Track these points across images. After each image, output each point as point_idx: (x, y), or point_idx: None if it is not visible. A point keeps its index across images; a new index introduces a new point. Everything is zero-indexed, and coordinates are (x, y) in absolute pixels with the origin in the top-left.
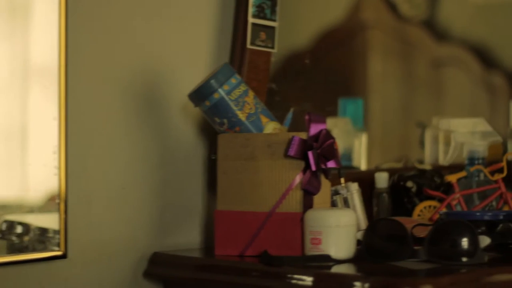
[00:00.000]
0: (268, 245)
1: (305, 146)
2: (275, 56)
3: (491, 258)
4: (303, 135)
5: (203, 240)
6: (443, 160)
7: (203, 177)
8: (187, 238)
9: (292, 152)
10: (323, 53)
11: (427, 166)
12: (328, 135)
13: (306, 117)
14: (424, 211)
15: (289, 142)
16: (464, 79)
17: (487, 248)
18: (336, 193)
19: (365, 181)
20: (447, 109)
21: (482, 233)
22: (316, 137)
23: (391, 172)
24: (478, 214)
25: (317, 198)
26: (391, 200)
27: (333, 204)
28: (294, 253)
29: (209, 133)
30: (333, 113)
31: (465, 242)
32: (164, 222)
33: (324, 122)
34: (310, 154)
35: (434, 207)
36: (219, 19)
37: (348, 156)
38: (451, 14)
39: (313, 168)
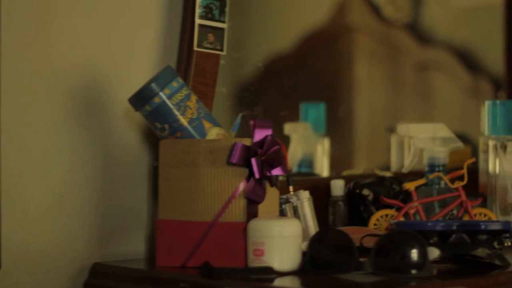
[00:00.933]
0: (211, 256)
1: (249, 152)
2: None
3: (444, 270)
4: (246, 141)
5: (148, 250)
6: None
7: (148, 185)
8: (132, 248)
9: (234, 159)
10: (306, 56)
11: (387, 173)
12: (273, 141)
13: (251, 122)
14: (381, 220)
15: (232, 149)
16: (447, 82)
17: (442, 260)
18: (286, 201)
19: (326, 188)
20: (430, 113)
21: (434, 244)
22: (261, 143)
23: (351, 179)
24: (429, 224)
25: (263, 207)
26: (347, 208)
27: (282, 213)
28: (237, 265)
29: (155, 138)
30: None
31: (412, 254)
32: (106, 231)
33: (269, 127)
34: (253, 161)
35: (392, 216)
36: (167, 19)
37: (309, 162)
38: (434, 17)
39: (257, 175)
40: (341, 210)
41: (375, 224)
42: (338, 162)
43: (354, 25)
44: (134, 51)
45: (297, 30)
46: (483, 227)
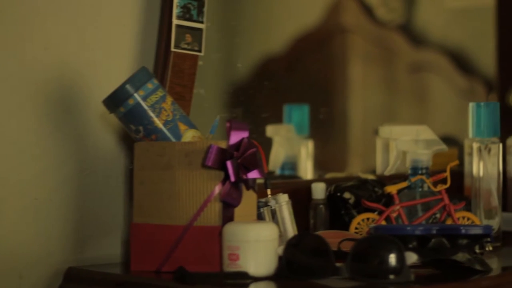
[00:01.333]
0: (186, 261)
1: (224, 155)
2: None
3: (424, 275)
4: (222, 144)
5: (125, 254)
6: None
7: (124, 188)
8: (107, 252)
9: (209, 161)
10: (295, 58)
11: (370, 176)
12: (250, 143)
13: (227, 124)
14: (362, 224)
15: (207, 151)
16: (441, 84)
17: (423, 264)
18: (265, 205)
19: (308, 191)
20: (423, 115)
21: (413, 249)
22: (237, 146)
23: (334, 182)
24: (408, 228)
25: (240, 211)
26: (328, 212)
27: (260, 217)
28: (212, 270)
29: (131, 141)
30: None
31: (389, 259)
32: (81, 235)
33: (246, 130)
34: (229, 164)
35: (373, 219)
36: (144, 19)
37: (292, 165)
38: (427, 19)
39: (232, 178)
40: (322, 213)
41: (356, 228)
42: (329, 165)
43: (347, 26)
44: (110, 52)
45: (283, 31)
46: (463, 231)
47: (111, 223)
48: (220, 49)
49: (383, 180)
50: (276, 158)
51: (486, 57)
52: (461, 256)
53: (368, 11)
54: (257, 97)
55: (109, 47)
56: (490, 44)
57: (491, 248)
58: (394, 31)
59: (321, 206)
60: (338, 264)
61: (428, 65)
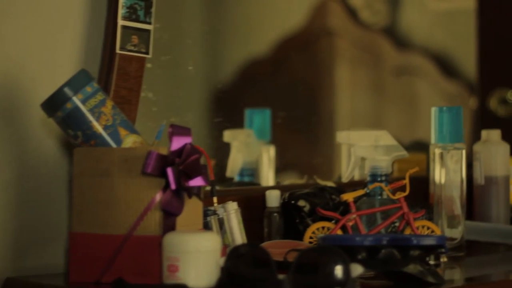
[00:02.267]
0: (126, 272)
1: (165, 161)
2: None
3: (375, 287)
4: (163, 150)
5: (67, 264)
6: (357, 176)
7: (67, 195)
8: (50, 261)
9: (148, 168)
10: (283, 60)
11: (329, 183)
12: (193, 149)
13: (169, 129)
14: (317, 233)
15: (146, 158)
16: (425, 88)
17: (376, 276)
18: (214, 213)
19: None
20: (407, 119)
21: (362, 260)
22: (179, 152)
23: (292, 189)
24: (357, 239)
25: (184, 220)
26: (282, 220)
27: (207, 226)
28: (152, 281)
29: (74, 147)
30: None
31: (333, 271)
32: (21, 244)
33: (188, 135)
34: (169, 170)
35: (328, 228)
36: (90, 20)
37: (251, 171)
38: (412, 21)
39: (173, 186)
40: (276, 222)
41: (311, 238)
42: (309, 171)
43: (331, 29)
44: (54, 54)
45: (240, 33)
46: (414, 242)
47: (53, 231)
48: (170, 51)
49: (343, 188)
50: (234, 164)
51: (468, 61)
52: (412, 268)
53: (352, 13)
54: (211, 100)
55: (53, 49)
56: (472, 47)
57: (445, 260)
58: (379, 34)
59: (275, 214)
60: (280, 276)
61: (413, 68)
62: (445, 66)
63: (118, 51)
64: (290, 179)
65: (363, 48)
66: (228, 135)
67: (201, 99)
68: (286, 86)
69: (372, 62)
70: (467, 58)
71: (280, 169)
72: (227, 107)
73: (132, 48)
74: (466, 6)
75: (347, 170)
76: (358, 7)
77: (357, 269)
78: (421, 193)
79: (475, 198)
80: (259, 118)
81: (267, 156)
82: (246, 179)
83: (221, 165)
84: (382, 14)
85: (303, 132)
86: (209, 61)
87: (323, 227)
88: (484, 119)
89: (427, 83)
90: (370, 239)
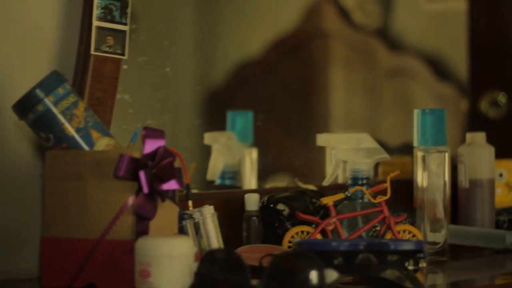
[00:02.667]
0: (98, 277)
1: (137, 165)
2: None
3: None
4: (135, 153)
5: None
6: (341, 179)
7: (42, 198)
8: (23, 266)
9: (121, 171)
10: (275, 62)
11: (310, 186)
12: (166, 152)
13: (142, 132)
14: (297, 237)
15: (118, 161)
16: (417, 89)
17: (355, 282)
18: (190, 217)
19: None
20: (400, 121)
21: (338, 265)
22: (152, 155)
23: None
24: (334, 244)
25: (158, 224)
26: (261, 224)
27: (182, 231)
28: (124, 287)
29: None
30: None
31: (307, 276)
32: None
33: (162, 137)
34: (141, 174)
35: (308, 232)
36: (65, 21)
37: (232, 174)
38: (404, 23)
39: (145, 190)
40: (255, 226)
41: (290, 242)
42: (296, 174)
43: (324, 30)
44: (27, 55)
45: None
46: (392, 247)
47: (27, 235)
48: (147, 52)
49: (324, 191)
50: (215, 167)
51: (459, 63)
52: (390, 273)
53: (345, 15)
54: (190, 102)
55: (27, 50)
56: (463, 49)
57: (424, 265)
58: (372, 35)
59: (254, 218)
60: (254, 282)
61: (406, 70)
62: (437, 67)
63: (92, 52)
64: (274, 182)
65: (355, 49)
66: (208, 138)
67: (179, 101)
68: (270, 88)
69: (364, 64)
70: (458, 60)
71: (263, 172)
72: (208, 109)
73: (107, 49)
74: (458, 8)
75: (328, 174)
76: (351, 9)
77: (332, 275)
78: (407, 197)
79: (459, 201)
80: (241, 120)
81: (250, 159)
82: (228, 182)
83: (203, 168)
84: (375, 15)
85: (289, 134)
86: (188, 63)
87: (302, 232)
88: (475, 121)
89: (419, 84)
90: (346, 244)
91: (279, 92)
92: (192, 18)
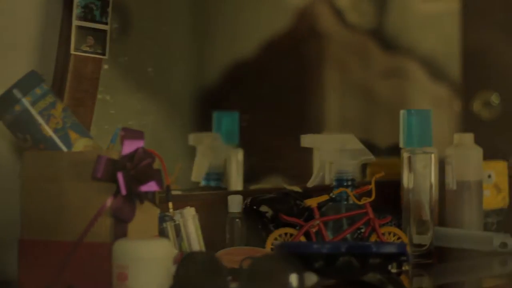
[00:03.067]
0: (76, 280)
1: (115, 166)
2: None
3: None
4: (113, 154)
5: None
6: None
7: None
8: (4, 269)
9: (98, 173)
10: (269, 62)
11: (295, 188)
12: (145, 154)
13: (121, 133)
14: (280, 240)
15: (96, 162)
16: (410, 90)
17: (337, 285)
18: (170, 219)
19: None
20: (394, 122)
21: (318, 268)
22: (131, 156)
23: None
24: (315, 246)
25: (138, 227)
26: (245, 226)
27: (163, 233)
28: None
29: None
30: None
31: (286, 280)
32: None
33: (141, 138)
34: (119, 175)
35: (291, 235)
36: (45, 21)
37: (217, 175)
38: (399, 23)
39: (123, 191)
40: (239, 228)
41: (273, 244)
42: (285, 175)
43: (318, 30)
44: (7, 54)
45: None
46: (374, 249)
47: (6, 237)
48: (128, 52)
49: (309, 193)
50: (200, 168)
51: (452, 63)
52: (372, 277)
53: (339, 15)
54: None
55: (6, 49)
56: (456, 50)
57: (407, 268)
58: (366, 35)
59: (237, 220)
60: (233, 285)
61: (399, 70)
62: (430, 68)
63: (73, 52)
64: (261, 184)
65: (349, 50)
66: (193, 139)
67: (162, 102)
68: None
69: (358, 64)
70: (451, 60)
71: (249, 173)
72: (193, 110)
73: (88, 49)
74: (451, 9)
75: (313, 175)
76: (345, 9)
77: (311, 278)
78: (397, 198)
79: (447, 203)
80: (227, 121)
81: (235, 160)
82: (213, 183)
83: (188, 170)
84: (369, 15)
85: (278, 135)
86: (172, 62)
87: (286, 234)
88: (468, 121)
89: (413, 85)
90: (327, 246)
91: (269, 93)
92: (177, 18)
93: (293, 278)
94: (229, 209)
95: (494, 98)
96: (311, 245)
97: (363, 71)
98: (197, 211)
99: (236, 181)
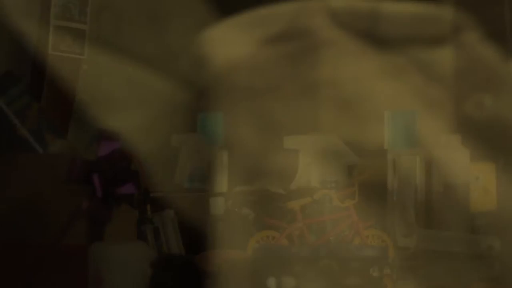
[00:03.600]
0: (51, 283)
1: (90, 168)
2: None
3: None
4: (90, 156)
5: None
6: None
7: None
8: None
9: (73, 175)
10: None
11: (278, 190)
12: (122, 155)
13: (97, 134)
14: (262, 243)
15: (70, 164)
16: (406, 91)
17: None
18: (149, 222)
19: None
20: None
21: (298, 272)
22: (107, 158)
23: (240, 195)
24: (293, 250)
25: (115, 229)
26: (226, 229)
27: (141, 236)
28: None
29: None
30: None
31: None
32: None
33: (118, 140)
34: (95, 177)
35: (273, 237)
36: (21, 20)
37: (201, 177)
38: (392, 22)
39: (99, 194)
40: (220, 230)
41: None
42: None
43: (310, 29)
44: None
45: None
46: (354, 253)
47: None
48: (107, 51)
49: (292, 195)
50: (182, 169)
51: (445, 63)
52: (352, 280)
53: (333, 13)
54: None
55: None
56: (449, 50)
57: (389, 271)
58: (359, 34)
59: (219, 222)
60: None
61: (395, 71)
62: (424, 68)
63: (50, 52)
64: (245, 186)
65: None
66: (175, 140)
67: (143, 102)
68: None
69: (352, 63)
70: (445, 61)
71: (234, 174)
72: (175, 111)
73: (66, 49)
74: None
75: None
76: (339, 7)
77: (289, 283)
78: (382, 201)
79: (433, 205)
80: (211, 122)
81: (220, 161)
82: (197, 185)
83: (171, 171)
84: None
85: (264, 136)
86: (153, 61)
87: (268, 237)
88: (461, 123)
89: (406, 85)
90: (306, 250)
91: (259, 92)
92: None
93: (271, 282)
94: (210, 211)
95: (487, 100)
96: (289, 248)
97: (354, 70)
98: (177, 213)
99: (220, 183)
